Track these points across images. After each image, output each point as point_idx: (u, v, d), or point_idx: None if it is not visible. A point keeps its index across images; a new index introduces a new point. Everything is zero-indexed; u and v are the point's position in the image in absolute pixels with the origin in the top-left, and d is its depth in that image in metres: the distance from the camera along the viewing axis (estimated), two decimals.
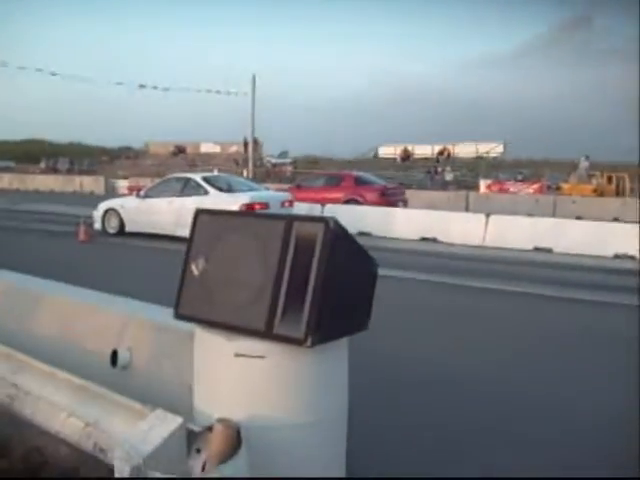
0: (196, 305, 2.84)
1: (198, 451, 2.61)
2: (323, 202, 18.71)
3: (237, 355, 2.67)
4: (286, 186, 26.09)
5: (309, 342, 2.50)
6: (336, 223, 2.58)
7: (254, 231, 2.74)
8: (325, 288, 2.53)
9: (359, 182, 21.19)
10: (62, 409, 3.30)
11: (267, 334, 2.59)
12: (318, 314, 2.52)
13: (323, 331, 2.57)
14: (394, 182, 28.43)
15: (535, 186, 36.53)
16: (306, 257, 2.57)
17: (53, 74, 43.25)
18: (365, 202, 19.66)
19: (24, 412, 3.49)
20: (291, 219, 2.67)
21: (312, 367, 2.72)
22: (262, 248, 2.68)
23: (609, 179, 37.47)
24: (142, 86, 44.36)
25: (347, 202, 19.47)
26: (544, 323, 7.93)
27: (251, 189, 15.76)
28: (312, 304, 2.52)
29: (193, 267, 2.87)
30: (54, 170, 56.76)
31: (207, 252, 2.85)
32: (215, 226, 2.91)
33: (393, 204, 19.81)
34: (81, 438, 3.14)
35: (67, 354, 3.95)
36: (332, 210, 18.24)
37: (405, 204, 21.54)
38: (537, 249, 14.97)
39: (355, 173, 24.74)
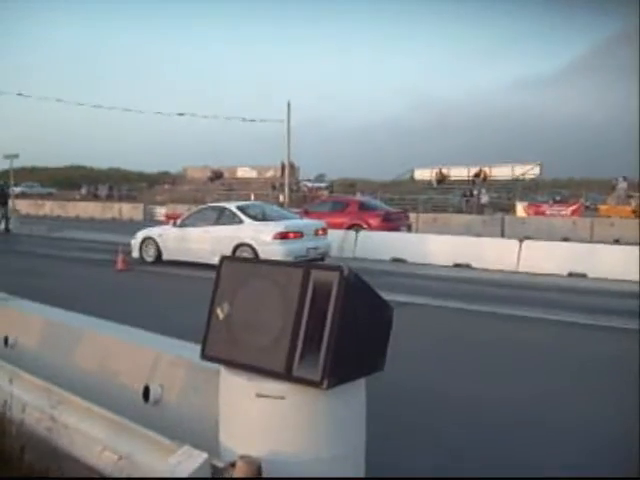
0: (221, 347, 3.03)
1: None
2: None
3: (258, 395, 2.84)
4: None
5: (325, 385, 2.67)
6: (350, 271, 2.74)
7: (275, 278, 2.92)
8: (340, 333, 2.70)
9: (363, 207, 21.78)
10: (97, 442, 3.50)
11: (286, 376, 2.76)
12: (334, 358, 2.68)
13: (339, 374, 2.73)
14: (399, 208, 28.45)
15: (572, 207, 36.10)
16: (323, 303, 2.74)
17: (96, 106, 44.61)
18: (368, 227, 20.09)
19: (62, 444, 3.70)
20: (308, 268, 2.84)
21: (330, 407, 2.88)
22: (282, 294, 2.85)
23: None
24: (180, 114, 45.24)
25: (350, 227, 19.82)
26: (579, 351, 7.92)
27: (285, 217, 15.87)
28: (328, 349, 2.68)
29: (218, 311, 3.05)
30: (94, 196, 57.90)
31: (231, 297, 3.04)
32: (239, 272, 3.09)
33: (396, 229, 20.27)
34: (114, 470, 3.33)
35: (103, 388, 4.16)
36: (366, 237, 18.41)
37: (409, 228, 22.05)
38: (571, 275, 14.88)
39: (360, 198, 25.84)
